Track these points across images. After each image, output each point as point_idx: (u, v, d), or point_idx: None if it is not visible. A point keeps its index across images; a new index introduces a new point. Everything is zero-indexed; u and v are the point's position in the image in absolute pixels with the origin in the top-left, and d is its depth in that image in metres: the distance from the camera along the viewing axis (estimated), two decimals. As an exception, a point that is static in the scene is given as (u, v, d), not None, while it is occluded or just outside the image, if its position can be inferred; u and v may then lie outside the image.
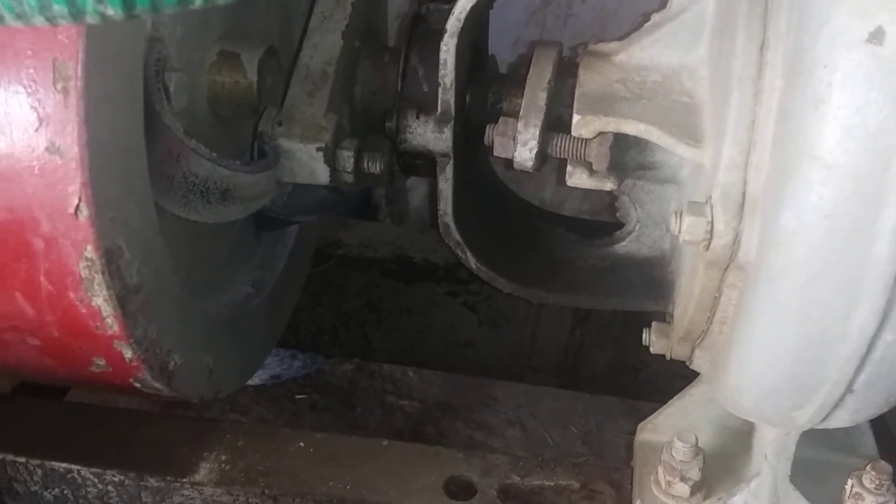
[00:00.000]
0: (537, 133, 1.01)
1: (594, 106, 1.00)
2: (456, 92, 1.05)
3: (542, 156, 1.05)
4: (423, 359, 1.72)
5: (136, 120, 0.88)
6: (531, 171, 1.06)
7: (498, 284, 1.17)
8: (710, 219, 0.86)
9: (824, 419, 0.90)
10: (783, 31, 0.80)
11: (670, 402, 1.17)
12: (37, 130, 0.79)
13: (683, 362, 1.07)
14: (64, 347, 0.95)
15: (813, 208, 0.73)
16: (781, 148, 0.77)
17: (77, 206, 0.82)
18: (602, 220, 1.28)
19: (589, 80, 1.04)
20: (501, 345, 1.66)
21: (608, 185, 1.03)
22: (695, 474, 1.04)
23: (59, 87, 0.78)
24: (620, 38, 1.08)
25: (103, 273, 0.86)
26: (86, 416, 1.29)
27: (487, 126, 1.04)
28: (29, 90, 0.78)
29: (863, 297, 0.75)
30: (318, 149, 1.01)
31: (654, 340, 1.12)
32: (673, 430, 1.13)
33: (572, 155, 1.02)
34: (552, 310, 1.56)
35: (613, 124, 0.98)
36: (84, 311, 0.89)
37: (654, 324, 1.13)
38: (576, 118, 0.99)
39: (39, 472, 1.29)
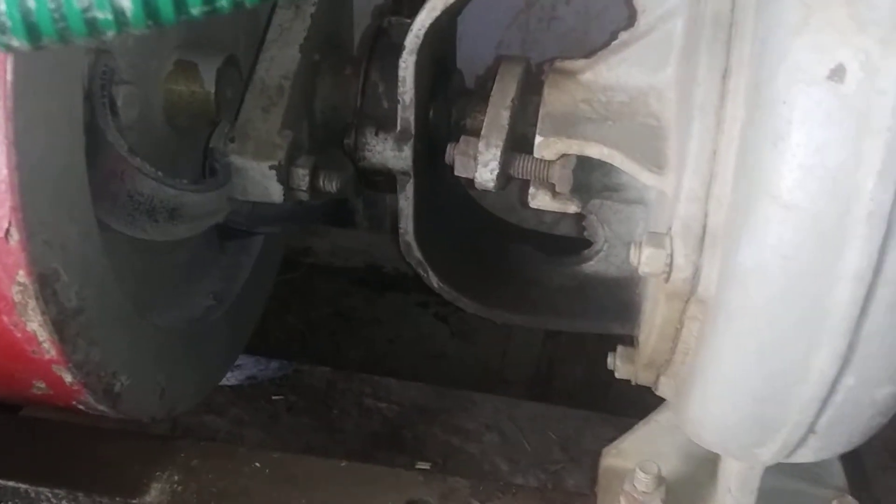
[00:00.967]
0: (499, 154, 0.98)
1: (558, 127, 0.97)
2: (417, 108, 1.02)
3: (505, 176, 1.01)
4: (395, 369, 1.69)
5: (74, 138, 0.84)
6: (494, 190, 1.03)
7: (461, 304, 1.14)
8: (669, 251, 0.83)
9: (788, 457, 0.87)
10: (746, 59, 0.77)
11: (635, 427, 1.14)
12: (-36, 152, 0.76)
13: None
14: (2, 370, 0.91)
15: (771, 248, 0.70)
16: (741, 183, 0.74)
17: (7, 230, 0.78)
18: (572, 237, 1.25)
19: (554, 100, 1.01)
20: (473, 356, 1.63)
21: (572, 208, 1.00)
22: (656, 505, 1.01)
23: (-14, 106, 0.75)
24: (587, 56, 1.04)
25: (37, 298, 0.82)
26: (37, 431, 1.26)
27: (449, 145, 1.00)
28: (-45, 110, 0.75)
29: (823, 340, 0.72)
30: (272, 167, 0.98)
31: (619, 365, 1.09)
32: (638, 456, 1.11)
33: (535, 176, 0.99)
34: (524, 323, 1.52)
35: (576, 147, 0.95)
36: (19, 335, 0.85)
37: (619, 348, 1.10)
38: (538, 139, 0.96)
39: (-9, 487, 1.26)
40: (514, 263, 1.20)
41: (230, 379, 2.23)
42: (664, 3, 0.97)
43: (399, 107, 1.00)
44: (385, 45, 1.04)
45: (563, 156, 0.96)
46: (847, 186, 0.65)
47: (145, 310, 1.08)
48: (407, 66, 0.97)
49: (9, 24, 0.53)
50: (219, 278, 1.33)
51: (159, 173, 0.92)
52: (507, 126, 0.99)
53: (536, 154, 0.96)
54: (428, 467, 2.03)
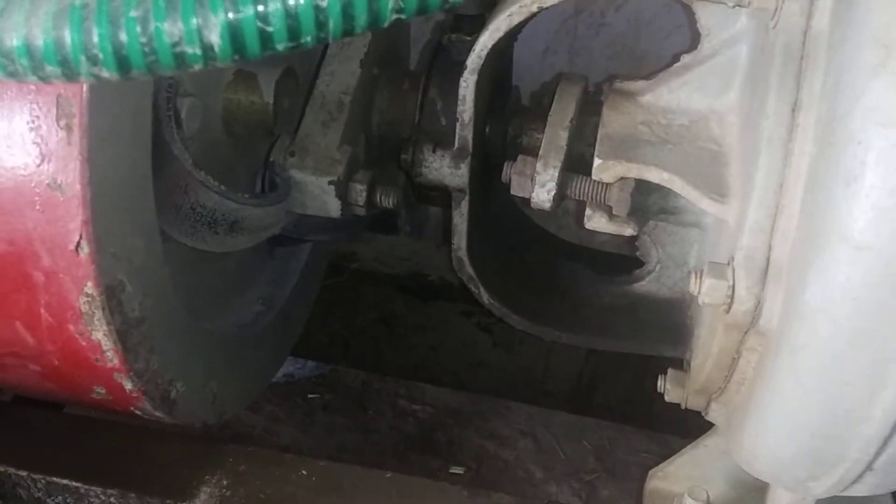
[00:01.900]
0: (556, 174, 0.98)
1: (616, 150, 0.97)
2: (475, 126, 1.02)
3: (561, 196, 1.01)
4: (435, 376, 1.70)
5: (143, 153, 0.86)
6: (550, 210, 1.03)
7: (510, 321, 1.14)
8: (731, 282, 0.83)
9: (842, 491, 0.87)
10: (817, 93, 0.76)
11: (683, 450, 1.14)
12: (39, 166, 0.77)
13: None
14: (64, 375, 0.93)
15: (840, 288, 0.69)
16: (809, 219, 0.74)
17: (78, 244, 0.80)
18: (624, 255, 1.25)
19: (613, 121, 1.01)
20: (514, 367, 1.63)
21: (628, 231, 1.00)
22: (703, 531, 1.01)
23: (62, 123, 0.76)
24: (647, 77, 1.04)
25: (103, 309, 0.84)
26: (88, 430, 1.28)
27: (506, 163, 1.00)
28: (32, 126, 0.76)
29: (889, 381, 0.71)
30: (331, 182, 0.99)
31: (670, 389, 1.08)
32: (685, 480, 1.11)
33: (592, 198, 0.99)
34: (568, 335, 1.52)
35: (635, 170, 0.95)
36: (84, 343, 0.87)
37: (669, 371, 1.09)
38: (597, 162, 0.96)
39: (42, 482, 1.28)
40: (564, 281, 1.20)
41: (267, 376, 2.26)
42: (729, 28, 0.97)
43: (458, 125, 1.00)
44: (445, 61, 1.05)
45: (622, 179, 0.96)
46: (921, 231, 0.65)
47: (198, 317, 1.10)
48: (468, 85, 0.97)
49: (101, 56, 0.54)
50: (267, 284, 1.34)
51: (222, 187, 0.93)
52: (565, 146, 0.99)
53: (595, 176, 0.96)
54: (461, 472, 2.03)
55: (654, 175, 0.94)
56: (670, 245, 1.14)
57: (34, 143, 0.77)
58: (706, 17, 0.97)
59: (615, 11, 2.11)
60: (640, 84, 1.03)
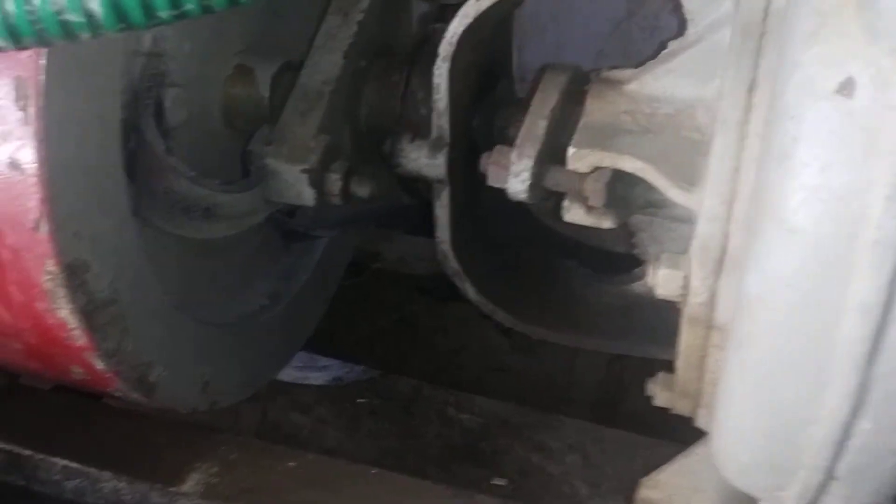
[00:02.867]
0: (531, 164, 0.95)
1: (593, 139, 0.94)
2: (454, 116, 1.01)
3: (540, 188, 0.99)
4: (458, 380, 1.68)
5: (108, 137, 0.88)
6: (529, 202, 1.00)
7: (498, 317, 1.11)
8: (686, 273, 0.79)
9: (814, 503, 0.81)
10: (771, 72, 0.72)
11: (675, 458, 1.08)
12: (0, 146, 0.81)
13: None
14: (43, 354, 0.97)
15: (775, 274, 0.65)
16: (752, 204, 0.69)
17: (37, 221, 0.83)
18: (622, 253, 1.20)
19: (595, 110, 0.98)
20: (537, 372, 1.60)
21: (606, 223, 0.96)
22: (685, 542, 0.96)
23: (20, 104, 0.79)
24: (636, 66, 1.00)
25: (66, 287, 0.86)
26: (105, 417, 1.33)
27: (483, 154, 0.99)
28: (-9, 106, 0.80)
29: (832, 377, 0.66)
30: (304, 171, 0.99)
31: (658, 393, 1.04)
32: (675, 489, 1.06)
33: (570, 189, 0.96)
34: (590, 340, 1.48)
35: (609, 159, 0.91)
36: (52, 321, 0.90)
37: (660, 374, 1.05)
38: (571, 151, 0.93)
39: (59, 465, 1.33)
40: (559, 278, 1.17)
41: (317, 378, 2.29)
42: (713, 13, 0.92)
43: (433, 114, 0.99)
44: (427, 52, 1.04)
45: (597, 168, 0.93)
46: (853, 210, 0.60)
47: (194, 307, 1.12)
48: (441, 73, 0.96)
49: (-9, 26, 0.56)
50: (277, 278, 1.35)
51: (192, 173, 0.95)
52: (542, 136, 0.96)
53: (569, 166, 0.93)
54: (503, 483, 2.00)
55: (627, 164, 0.91)
56: (669, 242, 1.09)
57: (-6, 123, 0.80)
58: (690, 1, 0.93)
59: (670, 14, 2.05)
60: (627, 73, 0.99)
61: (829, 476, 0.74)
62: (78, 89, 0.83)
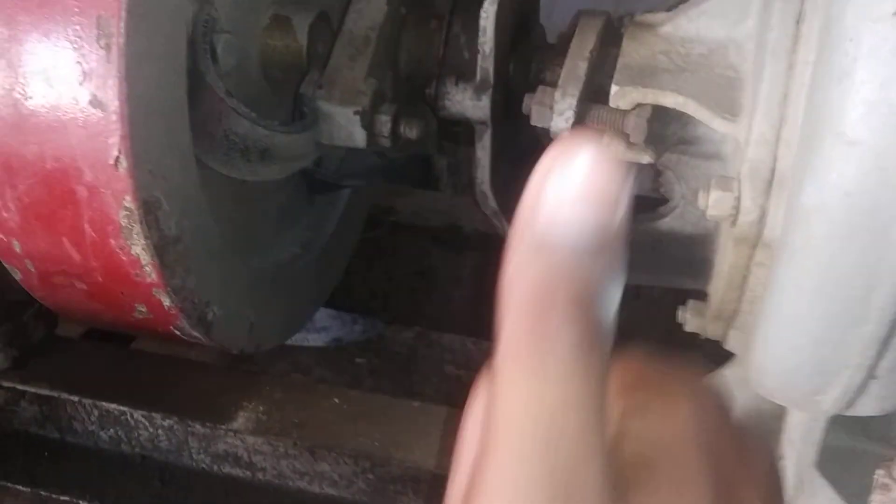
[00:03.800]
0: (574, 103, 1.00)
1: (634, 77, 0.99)
2: (497, 60, 1.05)
3: (581, 126, 1.04)
4: (472, 328, 1.74)
5: (178, 78, 0.92)
6: (569, 141, 1.06)
7: (533, 254, 1.17)
8: (737, 194, 0.85)
9: (849, 405, 0.88)
10: (821, 2, 0.78)
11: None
12: (81, 84, 0.84)
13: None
14: (108, 293, 1.00)
15: (833, 185, 0.71)
16: (807, 123, 0.75)
17: (117, 158, 0.86)
18: (647, 196, 1.26)
19: (632, 51, 1.03)
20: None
21: (646, 159, 1.02)
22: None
23: (102, 43, 0.82)
24: (668, 10, 1.06)
25: (141, 223, 0.90)
26: (141, 362, 1.36)
27: (526, 95, 1.03)
28: (74, 45, 0.83)
29: (883, 278, 0.72)
30: (356, 112, 1.03)
31: (689, 318, 1.10)
32: (704, 410, 1.12)
33: (610, 126, 1.01)
34: (601, 285, 1.54)
35: (651, 96, 0.97)
36: (124, 258, 0.93)
37: (689, 302, 1.11)
38: (614, 89, 0.98)
39: (95, 412, 1.37)
40: (588, 218, 1.23)
41: (317, 340, 2.33)
42: (745, -44, 0.98)
43: (479, 56, 1.03)
44: (468, -2, 1.08)
45: (639, 105, 0.98)
46: (911, 122, 0.66)
47: (237, 250, 1.16)
48: (487, 16, 1.00)
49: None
50: (306, 228, 1.40)
51: (253, 114, 0.98)
52: (583, 77, 1.01)
53: (612, 103, 0.98)
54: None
55: (669, 100, 0.96)
56: (693, 180, 1.15)
57: (77, 62, 0.83)
58: (722, -54, 0.99)
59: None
60: (661, 16, 1.04)
61: (871, 374, 0.81)
62: (154, 29, 0.86)
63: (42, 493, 1.27)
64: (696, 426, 0.48)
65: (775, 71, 0.81)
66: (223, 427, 1.20)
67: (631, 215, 0.46)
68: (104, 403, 1.27)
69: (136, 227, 0.90)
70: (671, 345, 1.54)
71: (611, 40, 1.07)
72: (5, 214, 0.92)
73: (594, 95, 1.05)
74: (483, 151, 1.10)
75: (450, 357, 2.33)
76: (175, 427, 1.30)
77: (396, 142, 1.06)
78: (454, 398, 1.86)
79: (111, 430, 1.38)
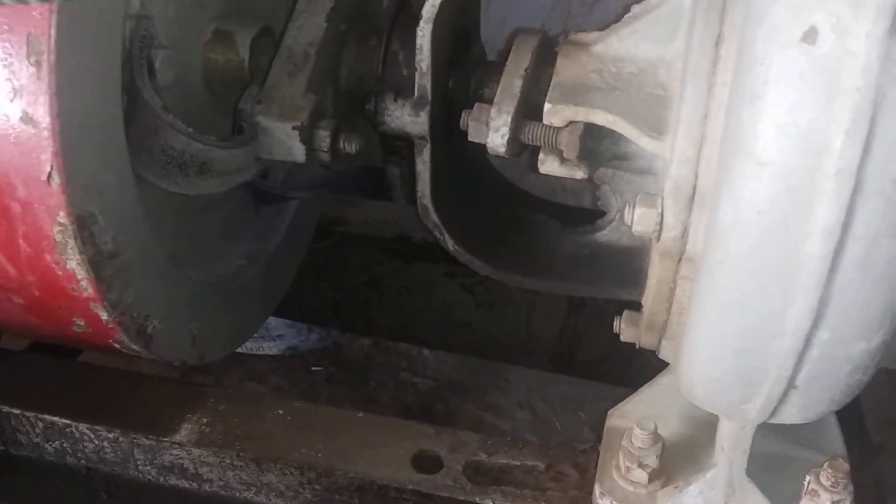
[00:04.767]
0: (509, 120, 1.02)
1: (567, 95, 1.01)
2: (435, 76, 1.07)
3: (517, 143, 1.06)
4: (422, 337, 1.75)
5: (112, 94, 0.92)
6: (507, 157, 1.08)
7: (475, 267, 1.19)
8: (660, 210, 0.87)
9: (773, 414, 0.91)
10: (738, 26, 0.81)
11: (640, 389, 1.18)
12: (12, 101, 0.84)
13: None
14: (46, 307, 1.00)
15: (747, 204, 0.74)
16: (724, 143, 0.78)
17: (49, 174, 0.86)
18: (585, 208, 1.29)
19: (565, 69, 1.05)
20: (498, 327, 1.68)
21: (579, 174, 1.05)
22: (652, 461, 1.05)
23: (32, 60, 0.83)
24: (601, 29, 1.08)
25: (76, 238, 0.90)
26: (86, 375, 1.35)
27: (464, 111, 1.05)
28: (4, 63, 0.83)
29: (797, 294, 0.75)
30: (294, 127, 1.04)
31: (624, 328, 1.13)
32: (640, 417, 1.15)
33: (544, 142, 1.04)
34: (547, 296, 1.57)
35: (582, 114, 0.99)
36: (60, 273, 0.93)
37: (625, 312, 1.14)
38: (547, 106, 1.00)
39: (40, 424, 1.35)
40: (528, 231, 1.25)
41: (272, 349, 2.33)
42: (673, -22, 1.01)
43: (416, 74, 1.05)
44: (407, 15, 1.10)
45: (571, 123, 1.01)
46: (817, 144, 0.69)
47: (180, 263, 1.16)
48: (424, 34, 1.02)
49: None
50: (252, 240, 1.40)
51: (190, 129, 0.99)
52: (519, 94, 1.04)
53: (545, 120, 1.01)
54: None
55: (599, 117, 0.99)
56: (629, 194, 1.18)
57: (7, 79, 0.83)
58: (651, -33, 1.01)
59: (608, -11, 2.14)
60: (593, 35, 1.07)
61: (791, 385, 0.84)
62: (86, 45, 0.87)
63: (-14, 505, 1.26)
64: None
65: (696, 91, 0.84)
66: (167, 439, 1.19)
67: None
68: (48, 416, 1.26)
69: (71, 242, 0.90)
70: (615, 353, 1.57)
71: (546, 58, 1.10)
72: (-62, 229, 0.92)
73: (529, 113, 1.07)
74: (423, 166, 1.11)
75: (406, 364, 2.35)
76: (120, 439, 1.30)
77: (336, 156, 1.07)
78: (410, 405, 1.87)
79: (56, 443, 1.37)
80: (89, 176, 0.90)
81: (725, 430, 1.02)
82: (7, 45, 0.82)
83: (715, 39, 0.83)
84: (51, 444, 1.38)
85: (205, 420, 1.21)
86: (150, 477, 1.29)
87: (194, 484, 1.26)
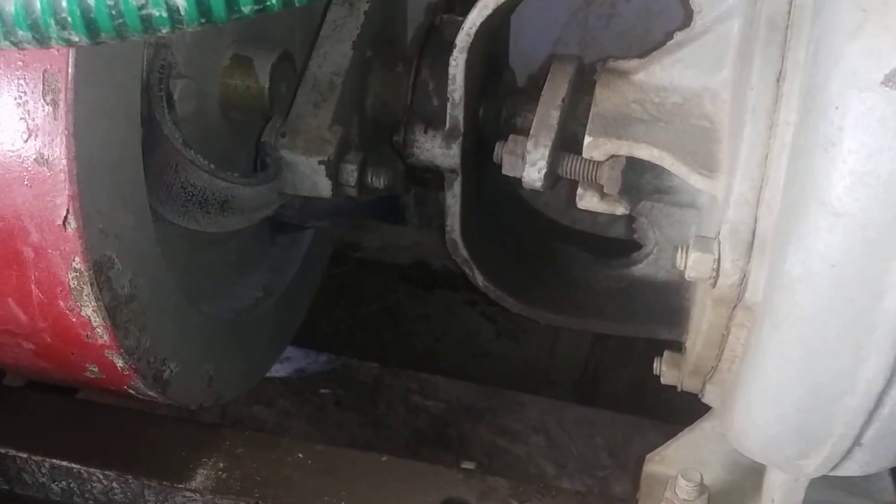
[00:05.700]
0: (547, 153, 0.97)
1: (608, 127, 0.96)
2: (466, 106, 1.02)
3: (553, 176, 1.01)
4: (441, 366, 1.70)
5: (130, 131, 0.87)
6: (542, 190, 1.03)
7: (506, 304, 1.14)
8: (716, 256, 0.82)
9: (833, 469, 0.86)
10: (801, 62, 0.76)
11: (680, 434, 1.13)
12: (26, 141, 0.79)
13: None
14: (57, 353, 0.94)
15: (819, 256, 0.69)
16: (791, 189, 0.73)
17: (65, 219, 0.81)
18: (621, 239, 1.24)
19: (605, 100, 1.00)
20: (520, 357, 1.63)
21: (620, 210, 0.99)
22: (697, 514, 1.00)
23: (48, 99, 0.77)
24: (641, 56, 1.03)
25: (92, 284, 0.85)
26: (92, 414, 1.30)
27: (497, 143, 1.00)
28: (19, 101, 0.78)
29: (871, 351, 0.70)
30: (321, 162, 0.99)
31: (665, 371, 1.07)
32: (681, 464, 1.09)
33: (583, 177, 0.99)
34: (572, 324, 1.52)
35: (626, 148, 0.94)
36: (74, 320, 0.88)
37: (665, 353, 1.08)
38: (587, 140, 0.95)
39: (46, 465, 1.30)
40: (560, 264, 1.20)
41: (279, 371, 2.27)
42: (721, 4, 0.96)
43: (448, 104, 1.00)
44: (437, 42, 1.05)
45: (613, 157, 0.96)
46: (899, 195, 0.64)
47: (195, 299, 1.10)
48: (457, 63, 0.97)
49: (69, 20, 0.55)
50: (268, 270, 1.35)
51: (212, 166, 0.94)
52: (556, 125, 0.99)
53: (585, 154, 0.96)
54: (472, 467, 2.03)
55: (644, 152, 0.94)
56: (668, 227, 1.14)
57: (21, 118, 0.78)
58: (697, -6, 0.96)
59: (626, 2, 2.10)
60: (634, 63, 1.02)
61: (856, 443, 0.79)
62: (105, 82, 0.82)
63: (-10, 547, 1.20)
64: None
65: (755, 130, 0.79)
66: (182, 485, 1.14)
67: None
68: (56, 461, 1.21)
69: (87, 289, 0.85)
70: (640, 386, 1.52)
71: (583, 87, 1.04)
72: (-54, 273, 0.86)
73: (566, 144, 1.02)
74: (454, 199, 1.06)
75: (416, 387, 2.29)
76: (131, 481, 1.24)
77: (363, 191, 1.02)
78: (421, 430, 1.81)
79: (62, 483, 1.32)
80: (107, 219, 0.85)
81: (777, 481, 0.97)
82: (22, 82, 0.77)
83: (776, 76, 0.78)
84: (57, 485, 1.32)
85: (221, 465, 1.15)
86: (162, 520, 1.23)
87: (210, 529, 1.21)
